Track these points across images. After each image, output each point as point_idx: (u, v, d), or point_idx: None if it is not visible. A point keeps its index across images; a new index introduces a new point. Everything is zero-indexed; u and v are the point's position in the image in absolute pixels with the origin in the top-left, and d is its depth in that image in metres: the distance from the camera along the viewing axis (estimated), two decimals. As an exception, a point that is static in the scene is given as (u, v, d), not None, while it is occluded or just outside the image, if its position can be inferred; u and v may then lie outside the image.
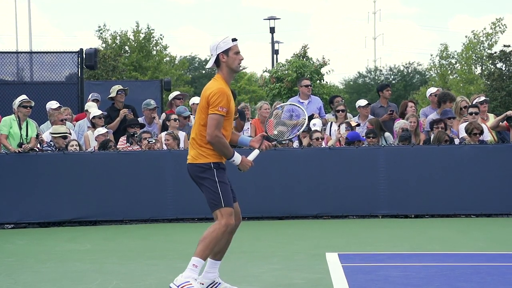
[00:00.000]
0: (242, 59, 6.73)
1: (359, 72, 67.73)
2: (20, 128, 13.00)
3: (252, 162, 6.85)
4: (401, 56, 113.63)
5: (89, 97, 15.59)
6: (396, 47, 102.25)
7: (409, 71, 65.62)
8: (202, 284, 6.82)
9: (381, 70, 67.41)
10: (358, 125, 13.97)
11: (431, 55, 66.77)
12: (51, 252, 10.23)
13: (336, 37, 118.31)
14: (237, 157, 6.74)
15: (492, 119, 14.08)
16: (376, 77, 65.55)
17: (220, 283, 6.88)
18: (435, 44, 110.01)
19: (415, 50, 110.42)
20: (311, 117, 14.13)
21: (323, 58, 32.03)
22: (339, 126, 13.91)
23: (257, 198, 13.00)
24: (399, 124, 13.78)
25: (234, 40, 6.67)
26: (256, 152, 6.92)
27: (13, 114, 13.11)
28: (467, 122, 13.39)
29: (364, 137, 13.48)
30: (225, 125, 6.68)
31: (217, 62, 6.69)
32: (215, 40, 6.72)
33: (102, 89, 18.30)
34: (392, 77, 64.73)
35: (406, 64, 66.09)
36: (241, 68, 6.79)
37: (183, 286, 6.47)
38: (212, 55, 6.71)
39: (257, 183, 12.97)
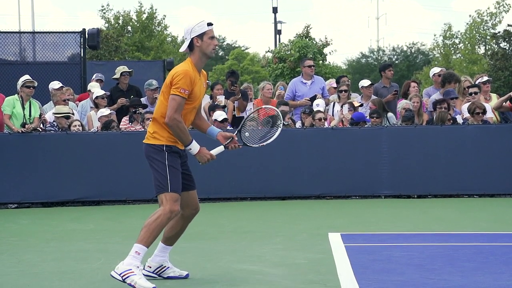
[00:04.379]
0: (216, 45, 6.55)
1: (362, 53, 67.60)
2: (23, 108, 13.00)
3: (214, 156, 6.56)
4: (404, 36, 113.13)
5: (93, 77, 15.56)
6: (399, 27, 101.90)
7: (412, 51, 65.44)
8: (150, 267, 6.71)
9: (384, 50, 67.23)
10: (361, 105, 13.94)
11: (435, 35, 66.88)
12: (55, 231, 10.25)
13: (339, 17, 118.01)
14: (195, 146, 6.48)
15: (495, 99, 14.05)
16: (379, 58, 65.38)
17: (168, 267, 6.72)
18: (439, 24, 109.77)
19: (418, 30, 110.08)
20: (314, 98, 14.12)
21: (326, 38, 32.04)
22: (341, 106, 13.89)
23: (260, 178, 13.02)
24: (402, 104, 13.76)
25: (209, 24, 6.48)
26: (221, 148, 6.64)
27: (16, 94, 13.11)
28: (470, 102, 13.37)
29: (368, 118, 13.45)
30: (187, 110, 6.47)
31: (191, 46, 6.50)
32: (189, 24, 6.51)
33: (104, 69, 18.29)
34: (395, 57, 64.56)
35: (409, 44, 65.96)
36: (214, 54, 6.59)
37: (125, 274, 6.26)
38: (186, 38, 6.52)
39: (259, 163, 12.99)
